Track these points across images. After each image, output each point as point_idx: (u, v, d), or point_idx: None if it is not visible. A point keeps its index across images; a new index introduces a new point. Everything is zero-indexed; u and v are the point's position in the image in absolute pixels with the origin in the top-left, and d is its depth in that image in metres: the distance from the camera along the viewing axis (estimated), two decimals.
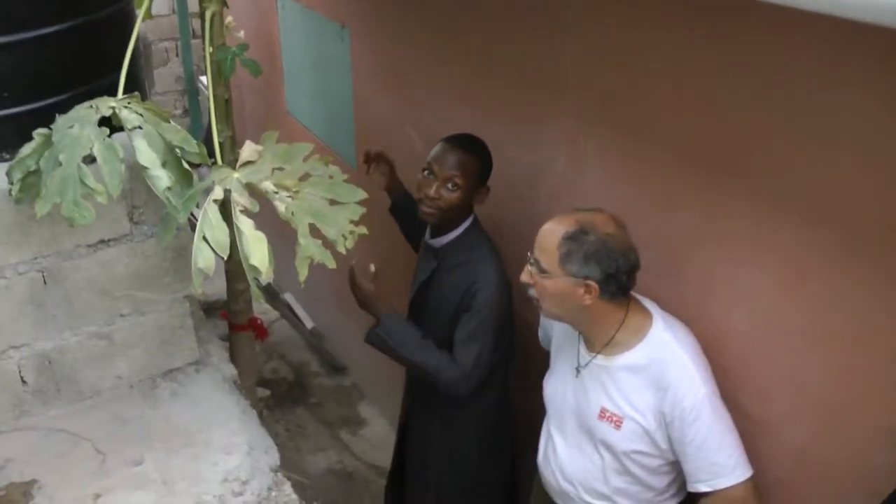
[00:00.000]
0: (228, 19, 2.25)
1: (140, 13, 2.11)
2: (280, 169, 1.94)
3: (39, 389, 2.18)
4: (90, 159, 1.79)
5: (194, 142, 1.89)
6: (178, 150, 1.87)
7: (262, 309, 4.21)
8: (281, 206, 1.88)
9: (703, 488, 1.75)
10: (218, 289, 2.91)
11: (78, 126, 1.81)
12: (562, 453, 1.95)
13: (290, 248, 1.86)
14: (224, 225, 1.82)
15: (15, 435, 2.14)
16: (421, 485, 2.48)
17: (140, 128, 1.83)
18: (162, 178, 1.81)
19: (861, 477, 1.58)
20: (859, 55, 1.40)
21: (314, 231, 1.88)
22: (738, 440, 1.74)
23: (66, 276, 2.11)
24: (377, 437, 3.69)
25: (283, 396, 3.94)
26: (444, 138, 2.24)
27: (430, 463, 2.42)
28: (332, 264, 1.87)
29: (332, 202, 1.92)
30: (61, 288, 2.11)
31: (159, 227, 2.10)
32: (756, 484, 1.74)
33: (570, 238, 1.74)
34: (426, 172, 2.21)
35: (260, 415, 2.41)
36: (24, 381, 2.15)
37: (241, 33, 2.34)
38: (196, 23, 5.02)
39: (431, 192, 2.18)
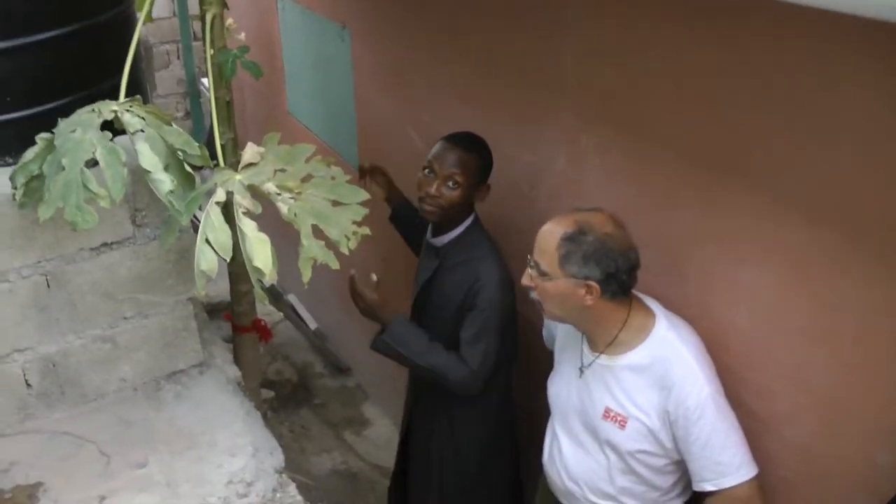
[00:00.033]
0: (229, 21, 2.25)
1: (141, 16, 2.11)
2: (282, 170, 1.95)
3: (44, 392, 2.18)
4: (93, 163, 1.79)
5: (196, 144, 1.90)
6: (180, 153, 1.87)
7: (265, 310, 4.19)
8: (283, 208, 1.88)
9: (708, 487, 1.75)
10: (221, 291, 2.92)
11: (80, 130, 1.81)
12: (567, 453, 1.95)
13: (293, 249, 1.87)
14: (227, 227, 1.82)
15: (20, 438, 2.14)
16: (424, 485, 2.48)
17: (142, 131, 1.84)
18: (164, 181, 1.82)
19: (864, 475, 1.58)
20: (859, 55, 1.40)
21: (317, 232, 1.88)
22: (743, 439, 1.74)
23: (70, 280, 2.11)
24: (381, 437, 3.69)
25: (288, 398, 3.94)
26: (444, 137, 2.24)
27: (434, 463, 2.42)
28: (335, 265, 1.88)
29: (335, 203, 1.93)
30: (65, 291, 2.11)
31: (162, 229, 2.11)
32: (761, 483, 1.74)
33: (569, 239, 1.74)
34: (427, 171, 2.21)
35: (264, 416, 2.40)
36: (28, 385, 2.16)
37: (242, 35, 2.34)
38: (197, 25, 5.04)
39: (432, 190, 2.18)
